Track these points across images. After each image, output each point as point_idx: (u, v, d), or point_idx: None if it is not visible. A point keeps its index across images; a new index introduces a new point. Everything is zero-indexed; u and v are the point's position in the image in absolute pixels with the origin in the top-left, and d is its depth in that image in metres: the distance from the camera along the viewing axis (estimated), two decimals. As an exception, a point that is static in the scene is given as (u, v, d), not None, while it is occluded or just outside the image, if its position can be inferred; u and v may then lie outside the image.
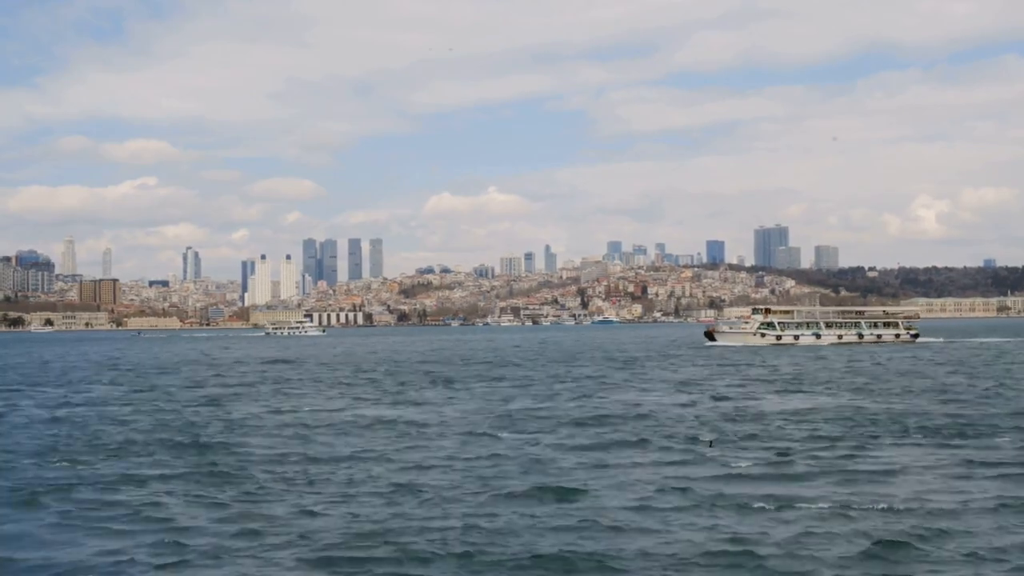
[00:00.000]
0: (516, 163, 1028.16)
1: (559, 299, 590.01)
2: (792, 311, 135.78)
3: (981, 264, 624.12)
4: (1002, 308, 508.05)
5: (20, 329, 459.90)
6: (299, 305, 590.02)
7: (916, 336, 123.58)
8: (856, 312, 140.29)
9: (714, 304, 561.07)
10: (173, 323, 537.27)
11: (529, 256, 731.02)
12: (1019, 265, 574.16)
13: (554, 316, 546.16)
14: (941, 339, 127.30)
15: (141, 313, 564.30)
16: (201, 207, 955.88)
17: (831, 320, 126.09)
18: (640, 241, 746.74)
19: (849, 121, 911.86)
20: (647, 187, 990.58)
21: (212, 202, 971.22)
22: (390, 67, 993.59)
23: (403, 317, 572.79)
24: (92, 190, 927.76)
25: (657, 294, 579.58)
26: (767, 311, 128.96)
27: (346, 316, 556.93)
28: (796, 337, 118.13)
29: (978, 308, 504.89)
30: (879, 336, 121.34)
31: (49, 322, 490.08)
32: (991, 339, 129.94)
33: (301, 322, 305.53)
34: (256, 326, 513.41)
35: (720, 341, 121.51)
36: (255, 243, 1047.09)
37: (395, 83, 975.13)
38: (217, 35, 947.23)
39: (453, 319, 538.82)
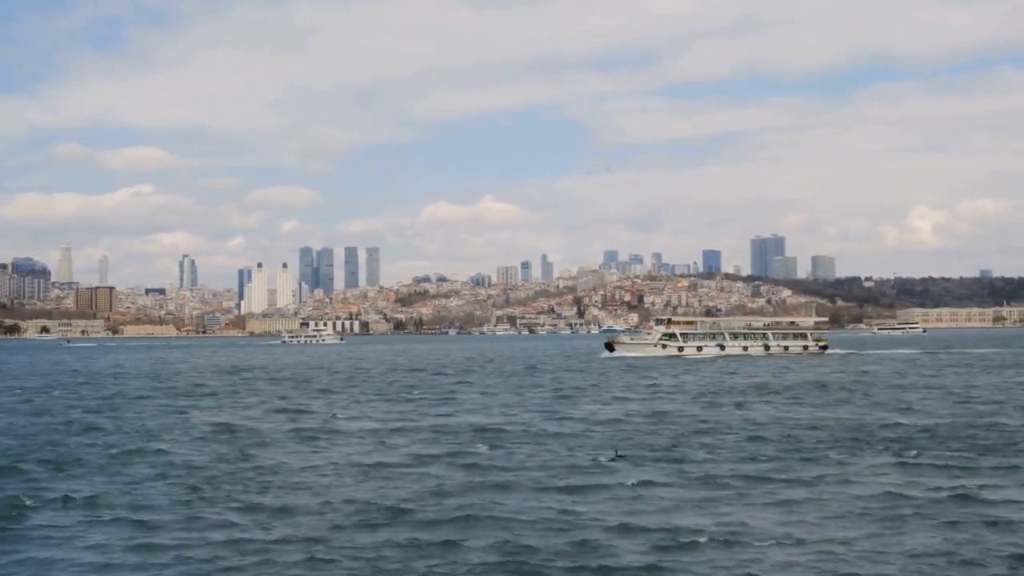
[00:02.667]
0: (515, 172, 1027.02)
1: (555, 308, 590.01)
2: (695, 322, 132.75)
3: (977, 275, 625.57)
4: (998, 318, 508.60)
5: (16, 336, 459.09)
6: (295, 313, 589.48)
7: (825, 348, 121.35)
8: (764, 324, 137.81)
9: (710, 313, 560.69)
10: (169, 331, 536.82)
11: (526, 265, 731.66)
12: (1015, 276, 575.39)
13: (551, 325, 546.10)
14: (850, 351, 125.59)
15: (137, 321, 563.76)
16: (198, 215, 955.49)
17: (736, 332, 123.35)
18: (637, 250, 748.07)
19: (849, 132, 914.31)
20: (645, 197, 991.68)
21: (209, 210, 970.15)
22: (391, 76, 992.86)
23: (399, 326, 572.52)
24: (89, 197, 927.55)
25: (653, 303, 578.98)
26: (669, 322, 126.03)
27: (342, 325, 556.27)
28: (699, 348, 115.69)
29: (974, 318, 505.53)
30: (786, 348, 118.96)
31: (45, 329, 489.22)
32: (905, 351, 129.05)
33: (318, 330, 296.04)
34: (252, 334, 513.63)
35: (620, 352, 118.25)
36: (251, 251, 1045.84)
37: (395, 92, 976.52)
38: (218, 43, 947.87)
39: (449, 328, 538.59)
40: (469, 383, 69.09)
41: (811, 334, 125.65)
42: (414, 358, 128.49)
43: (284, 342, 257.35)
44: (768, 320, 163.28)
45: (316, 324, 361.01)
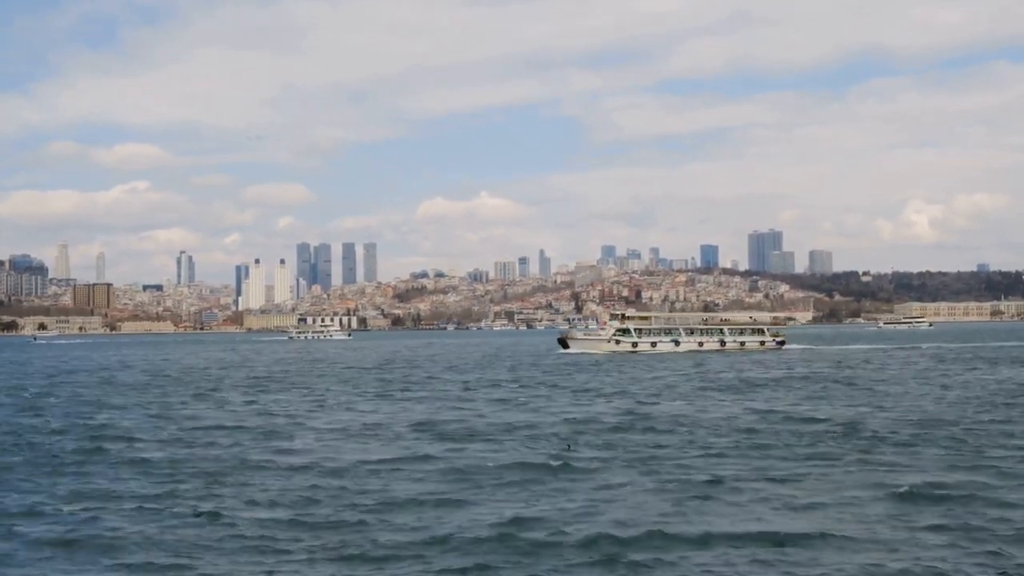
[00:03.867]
0: (510, 169, 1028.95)
1: (553, 303, 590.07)
2: (650, 317, 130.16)
3: (975, 269, 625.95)
4: (995, 312, 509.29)
5: (14, 333, 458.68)
6: (293, 309, 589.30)
7: (782, 343, 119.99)
8: (721, 319, 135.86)
9: (708, 308, 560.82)
10: (167, 327, 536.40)
11: (523, 261, 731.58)
12: (1012, 270, 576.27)
13: (548, 320, 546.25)
14: (806, 346, 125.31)
15: (135, 317, 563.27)
16: (193, 212, 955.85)
17: (692, 327, 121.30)
18: (634, 246, 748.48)
19: (841, 128, 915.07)
20: (640, 192, 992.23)
21: (204, 207, 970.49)
22: (384, 74, 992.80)
23: (397, 322, 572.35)
24: (84, 195, 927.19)
25: (651, 298, 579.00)
26: (623, 317, 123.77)
27: (340, 320, 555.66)
28: (653, 344, 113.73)
29: (972, 312, 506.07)
30: (742, 343, 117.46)
31: (43, 327, 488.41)
32: (860, 346, 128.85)
33: (326, 326, 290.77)
34: (250, 330, 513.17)
35: (574, 348, 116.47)
36: (248, 248, 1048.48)
37: (389, 89, 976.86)
38: (211, 42, 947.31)
39: (447, 323, 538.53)
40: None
41: (768, 330, 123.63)
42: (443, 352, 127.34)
43: (291, 338, 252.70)
44: (727, 315, 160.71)
45: (323, 320, 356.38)
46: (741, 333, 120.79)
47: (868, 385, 54.98)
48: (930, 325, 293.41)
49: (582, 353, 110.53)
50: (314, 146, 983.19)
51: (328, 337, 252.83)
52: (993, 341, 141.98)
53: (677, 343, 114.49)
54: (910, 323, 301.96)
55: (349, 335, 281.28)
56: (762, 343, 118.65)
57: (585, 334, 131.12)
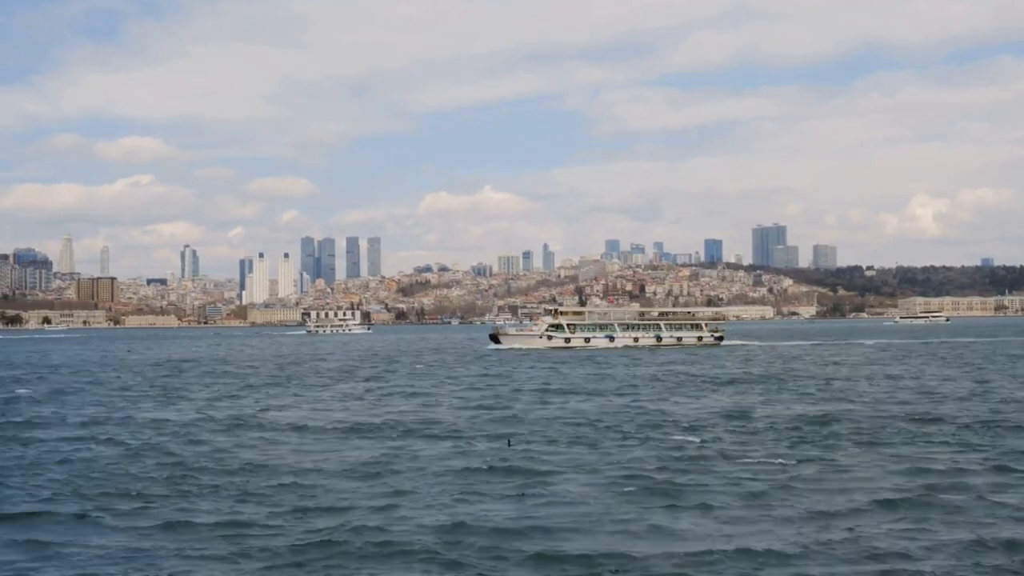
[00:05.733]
0: (513, 163, 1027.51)
1: (557, 298, 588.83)
2: (584, 312, 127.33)
3: (979, 263, 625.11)
4: (999, 307, 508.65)
5: (18, 327, 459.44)
6: (297, 303, 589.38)
7: (720, 339, 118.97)
8: (659, 314, 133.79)
9: (712, 303, 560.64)
10: (171, 321, 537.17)
11: (527, 255, 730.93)
12: (1017, 264, 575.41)
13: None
14: (745, 342, 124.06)
15: (139, 311, 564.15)
16: (197, 205, 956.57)
17: (627, 322, 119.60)
18: (638, 240, 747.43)
19: (845, 121, 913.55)
20: (644, 186, 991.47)
21: (208, 200, 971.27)
22: (387, 67, 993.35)
23: (401, 315, 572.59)
24: (87, 188, 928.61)
25: (655, 293, 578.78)
26: (556, 312, 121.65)
27: (345, 314, 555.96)
28: (587, 340, 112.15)
29: (976, 307, 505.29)
30: (679, 339, 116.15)
31: (47, 320, 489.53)
32: (798, 342, 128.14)
33: (344, 320, 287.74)
34: (254, 324, 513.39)
35: (505, 344, 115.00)
36: (251, 241, 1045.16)
37: (392, 83, 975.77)
38: (214, 35, 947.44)
39: (451, 318, 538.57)
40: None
41: (707, 325, 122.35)
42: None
43: (309, 331, 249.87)
44: (665, 310, 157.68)
45: (330, 314, 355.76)
46: (678, 329, 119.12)
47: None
48: (947, 320, 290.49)
49: (512, 349, 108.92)
50: (317, 140, 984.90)
51: (348, 331, 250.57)
52: (1011, 335, 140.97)
53: (612, 339, 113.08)
54: (927, 318, 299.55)
55: (368, 328, 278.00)
56: (700, 339, 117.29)
57: (518, 329, 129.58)
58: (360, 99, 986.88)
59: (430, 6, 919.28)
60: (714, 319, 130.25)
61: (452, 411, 40.58)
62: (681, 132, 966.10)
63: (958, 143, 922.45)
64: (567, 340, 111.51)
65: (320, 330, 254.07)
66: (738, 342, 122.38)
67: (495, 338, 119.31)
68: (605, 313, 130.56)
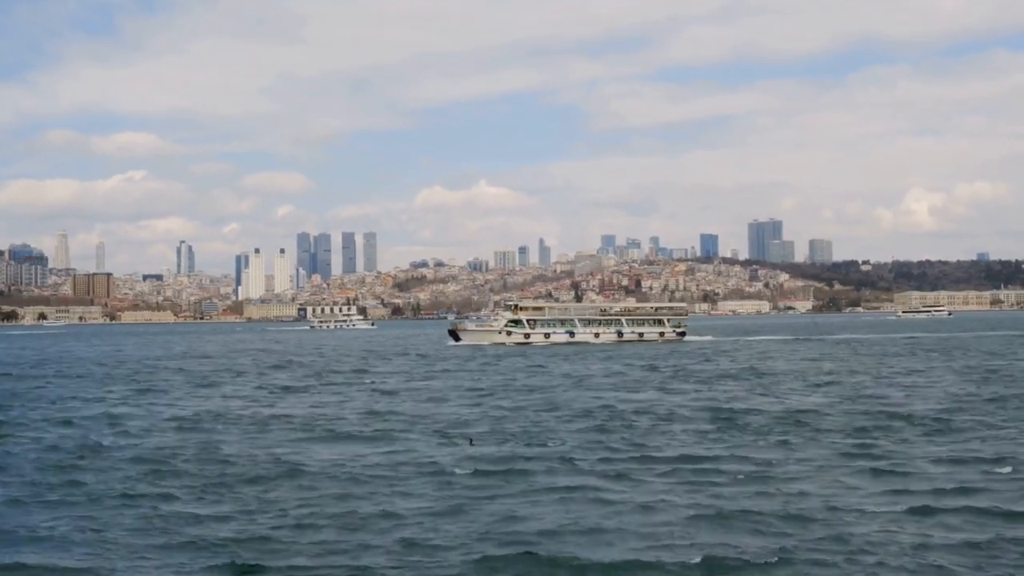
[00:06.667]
0: (509, 157, 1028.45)
1: (553, 293, 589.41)
2: (544, 308, 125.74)
3: (974, 257, 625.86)
4: (995, 301, 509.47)
5: (13, 323, 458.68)
6: (293, 299, 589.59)
7: (683, 334, 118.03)
8: (620, 309, 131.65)
9: (708, 297, 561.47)
10: (167, 317, 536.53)
11: (523, 250, 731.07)
12: (1012, 259, 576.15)
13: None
14: (709, 337, 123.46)
15: (135, 307, 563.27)
16: (192, 201, 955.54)
17: (587, 318, 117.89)
18: (634, 235, 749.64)
19: (841, 115, 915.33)
20: (640, 181, 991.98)
21: (203, 196, 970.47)
22: (383, 62, 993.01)
23: (397, 311, 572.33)
24: (82, 183, 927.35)
25: (651, 287, 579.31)
26: (516, 308, 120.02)
27: (336, 310, 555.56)
28: (547, 336, 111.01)
29: (971, 301, 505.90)
30: (641, 335, 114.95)
31: (43, 316, 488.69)
32: (762, 337, 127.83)
33: (348, 315, 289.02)
34: (250, 320, 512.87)
35: (465, 340, 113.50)
36: (246, 237, 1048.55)
37: (388, 78, 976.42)
38: (210, 31, 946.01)
39: (448, 313, 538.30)
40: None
41: (669, 320, 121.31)
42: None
43: (312, 327, 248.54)
44: (628, 306, 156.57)
45: (345, 309, 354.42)
46: (640, 324, 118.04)
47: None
48: (949, 314, 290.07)
49: (472, 345, 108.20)
50: (313, 135, 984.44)
51: (352, 327, 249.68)
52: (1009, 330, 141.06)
53: (572, 334, 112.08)
54: (929, 312, 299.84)
55: (372, 324, 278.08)
56: (661, 334, 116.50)
57: (477, 325, 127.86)
58: (356, 94, 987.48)
59: (427, 1, 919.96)
60: (676, 315, 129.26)
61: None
62: (677, 126, 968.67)
63: (954, 137, 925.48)
64: (526, 336, 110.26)
65: (324, 326, 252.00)
66: (697, 338, 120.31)
67: (454, 334, 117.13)
68: (566, 309, 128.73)
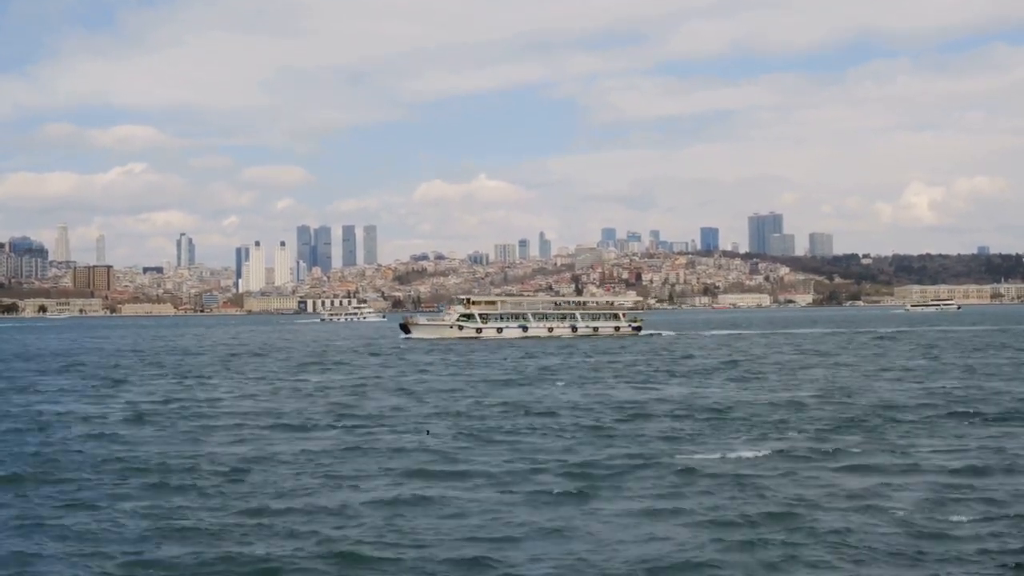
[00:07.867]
0: (509, 151, 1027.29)
1: (553, 286, 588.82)
2: (496, 302, 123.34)
3: (975, 251, 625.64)
4: (995, 295, 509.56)
5: (14, 316, 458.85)
6: (293, 292, 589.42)
7: (639, 329, 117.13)
8: (575, 303, 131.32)
9: (708, 291, 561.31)
10: (167, 309, 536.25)
11: (523, 243, 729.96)
12: (1012, 252, 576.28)
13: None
14: (667, 332, 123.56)
15: (135, 300, 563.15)
16: (191, 194, 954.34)
17: (541, 312, 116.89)
18: (634, 228, 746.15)
19: (841, 110, 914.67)
20: (640, 175, 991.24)
21: (202, 189, 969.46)
22: (382, 56, 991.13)
23: (398, 304, 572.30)
24: (81, 176, 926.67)
25: (652, 281, 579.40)
26: (468, 302, 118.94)
27: (339, 303, 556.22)
28: (499, 330, 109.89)
29: (972, 295, 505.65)
30: (595, 329, 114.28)
31: (43, 309, 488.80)
32: (718, 332, 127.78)
33: (359, 308, 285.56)
34: (250, 313, 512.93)
35: (416, 334, 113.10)
36: (246, 230, 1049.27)
37: (387, 72, 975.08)
38: (209, 24, 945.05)
39: (447, 305, 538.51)
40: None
41: (624, 315, 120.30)
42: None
43: (323, 320, 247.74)
44: (582, 299, 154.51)
45: (355, 301, 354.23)
46: (595, 319, 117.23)
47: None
48: (958, 308, 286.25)
49: (422, 339, 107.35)
50: (312, 128, 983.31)
51: (363, 319, 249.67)
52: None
53: (525, 328, 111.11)
54: (938, 306, 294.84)
55: (383, 317, 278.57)
56: (617, 328, 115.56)
57: (428, 319, 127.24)
58: (355, 87, 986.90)
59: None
60: (632, 309, 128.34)
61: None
62: (677, 120, 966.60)
63: (953, 132, 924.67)
64: (478, 330, 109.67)
65: (335, 318, 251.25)
66: (653, 332, 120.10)
67: (405, 328, 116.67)
68: (519, 302, 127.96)
